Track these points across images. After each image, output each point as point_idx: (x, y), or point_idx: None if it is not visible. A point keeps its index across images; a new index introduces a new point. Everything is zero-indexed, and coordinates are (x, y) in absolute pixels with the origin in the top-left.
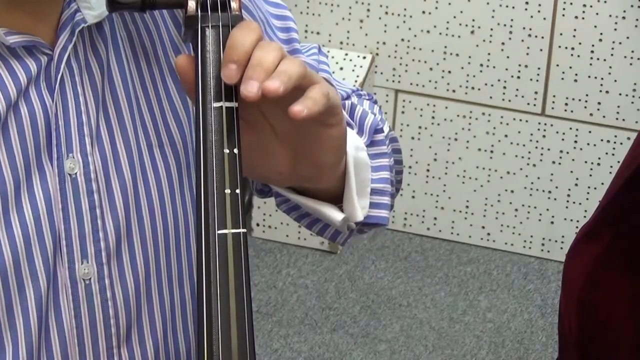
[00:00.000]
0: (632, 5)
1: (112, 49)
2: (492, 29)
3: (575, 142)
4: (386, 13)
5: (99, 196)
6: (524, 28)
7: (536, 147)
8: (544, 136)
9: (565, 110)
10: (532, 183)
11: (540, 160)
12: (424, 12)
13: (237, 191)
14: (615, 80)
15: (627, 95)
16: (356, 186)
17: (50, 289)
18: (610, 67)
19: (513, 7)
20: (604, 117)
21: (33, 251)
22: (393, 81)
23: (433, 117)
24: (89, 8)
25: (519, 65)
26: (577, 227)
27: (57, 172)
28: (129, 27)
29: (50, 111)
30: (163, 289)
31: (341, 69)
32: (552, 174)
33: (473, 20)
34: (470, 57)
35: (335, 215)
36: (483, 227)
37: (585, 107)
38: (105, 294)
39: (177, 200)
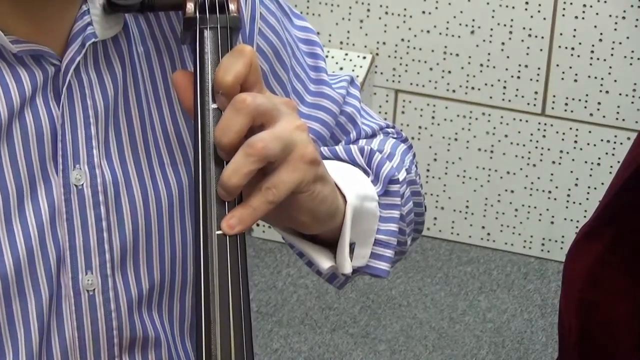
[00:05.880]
0: (632, 5)
1: (129, 65)
2: (492, 29)
3: (575, 142)
4: (386, 13)
5: (105, 208)
6: (524, 28)
7: (536, 147)
8: (544, 136)
9: (565, 110)
10: (532, 183)
11: (540, 160)
12: (424, 12)
13: None
14: (615, 80)
15: (627, 95)
16: (359, 235)
17: (53, 298)
18: (610, 67)
19: (513, 7)
20: (604, 117)
21: (36, 260)
22: (393, 81)
23: (433, 117)
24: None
25: (519, 65)
26: (577, 227)
27: (63, 183)
28: (147, 43)
29: (56, 121)
30: (163, 303)
31: (341, 69)
32: (552, 174)
33: (473, 20)
34: (470, 57)
35: (322, 263)
36: (483, 227)
37: (585, 107)
38: (109, 306)
39: (186, 217)
